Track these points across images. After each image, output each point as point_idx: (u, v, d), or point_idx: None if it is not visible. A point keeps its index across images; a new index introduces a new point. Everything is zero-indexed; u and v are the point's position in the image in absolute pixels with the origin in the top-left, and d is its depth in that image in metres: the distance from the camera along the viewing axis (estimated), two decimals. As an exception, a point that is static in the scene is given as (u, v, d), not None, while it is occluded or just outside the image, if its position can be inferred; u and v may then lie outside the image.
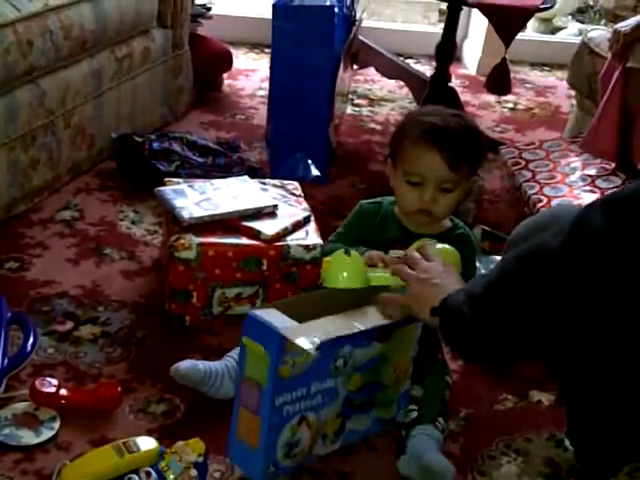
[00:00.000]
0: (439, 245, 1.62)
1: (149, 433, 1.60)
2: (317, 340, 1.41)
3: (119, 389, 1.67)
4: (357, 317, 1.53)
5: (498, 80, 2.79)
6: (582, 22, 4.77)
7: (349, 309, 1.54)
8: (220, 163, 2.57)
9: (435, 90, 3.00)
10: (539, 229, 1.60)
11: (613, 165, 2.44)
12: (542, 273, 1.25)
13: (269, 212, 2.01)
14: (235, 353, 1.68)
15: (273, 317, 1.45)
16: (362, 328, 1.51)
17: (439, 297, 1.44)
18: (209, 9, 3.32)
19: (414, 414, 1.64)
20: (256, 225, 1.95)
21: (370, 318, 1.54)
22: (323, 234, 1.97)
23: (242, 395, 1.49)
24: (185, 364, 1.69)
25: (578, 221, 1.22)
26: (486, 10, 2.71)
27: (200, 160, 2.56)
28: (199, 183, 2.11)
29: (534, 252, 1.29)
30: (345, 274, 1.55)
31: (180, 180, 2.17)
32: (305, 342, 1.39)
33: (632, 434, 1.39)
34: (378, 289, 1.57)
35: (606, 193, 2.32)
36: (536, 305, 1.27)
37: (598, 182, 2.39)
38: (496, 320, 1.33)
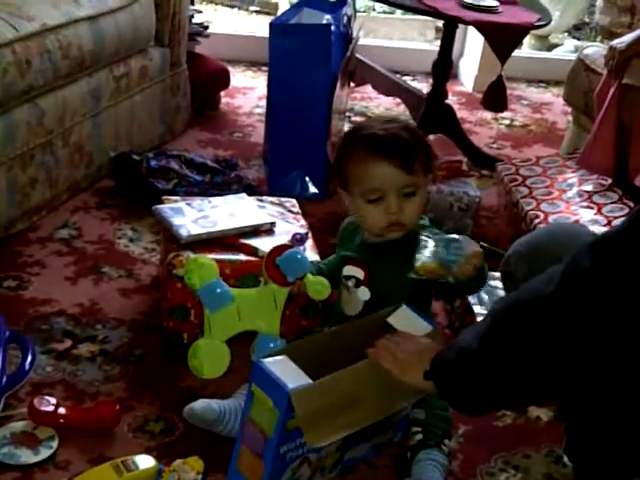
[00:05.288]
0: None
1: (147, 451, 1.59)
2: (324, 444, 1.42)
3: (117, 407, 1.67)
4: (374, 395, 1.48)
5: (494, 97, 2.80)
6: (578, 39, 4.81)
7: (360, 341, 1.52)
8: (218, 181, 2.58)
9: (432, 107, 3.01)
10: (536, 246, 1.62)
11: (610, 181, 2.45)
12: (538, 320, 1.25)
13: (267, 229, 2.02)
14: (245, 389, 1.61)
15: (283, 369, 1.42)
16: (376, 419, 1.49)
17: (423, 359, 1.43)
18: (206, 27, 3.34)
19: (419, 436, 1.60)
20: (254, 242, 1.95)
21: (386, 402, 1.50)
22: (321, 251, 1.97)
23: (245, 434, 1.46)
24: (199, 404, 1.63)
25: (568, 266, 1.23)
26: (482, 28, 2.72)
27: (198, 178, 2.56)
28: (197, 201, 2.11)
29: (526, 301, 1.29)
30: (208, 364, 1.62)
31: (178, 198, 2.17)
32: (313, 437, 1.39)
33: (631, 450, 1.39)
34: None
35: (603, 209, 2.33)
36: (535, 351, 1.26)
37: (595, 198, 2.40)
38: (493, 372, 1.32)
